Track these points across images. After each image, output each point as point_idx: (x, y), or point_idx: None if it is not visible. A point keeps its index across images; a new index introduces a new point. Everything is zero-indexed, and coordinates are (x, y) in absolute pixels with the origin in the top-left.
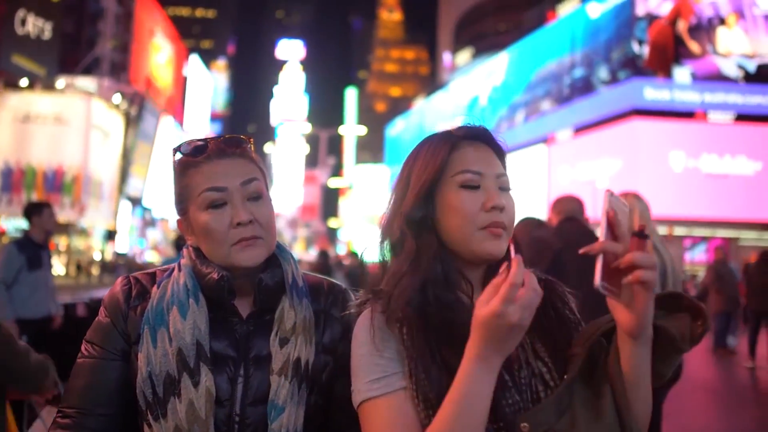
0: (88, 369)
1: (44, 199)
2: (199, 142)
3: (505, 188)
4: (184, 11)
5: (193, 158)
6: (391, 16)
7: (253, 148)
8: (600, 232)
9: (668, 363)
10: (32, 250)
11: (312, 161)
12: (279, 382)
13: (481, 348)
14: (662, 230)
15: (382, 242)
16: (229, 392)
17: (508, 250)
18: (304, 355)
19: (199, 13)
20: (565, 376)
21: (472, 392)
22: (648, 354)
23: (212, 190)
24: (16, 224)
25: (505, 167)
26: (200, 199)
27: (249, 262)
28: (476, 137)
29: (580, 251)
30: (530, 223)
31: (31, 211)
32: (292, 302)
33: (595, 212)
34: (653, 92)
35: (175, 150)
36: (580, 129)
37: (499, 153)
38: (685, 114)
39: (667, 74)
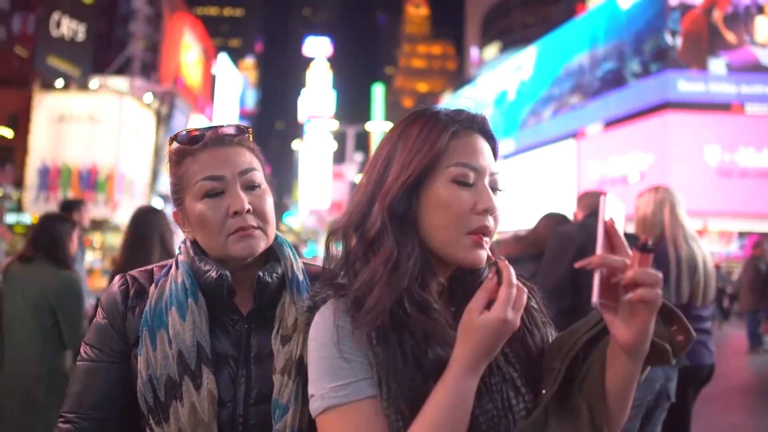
0: (86, 372)
1: (79, 196)
2: (197, 131)
3: (496, 188)
4: (212, 10)
5: (189, 147)
6: (417, 11)
7: (251, 138)
8: (597, 243)
9: (644, 372)
10: None
11: (339, 158)
12: (282, 381)
13: (473, 354)
14: (697, 225)
15: (353, 229)
16: (231, 393)
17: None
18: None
19: (227, 12)
20: (543, 392)
21: (459, 399)
22: (639, 368)
23: (208, 179)
24: None
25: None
26: (196, 188)
27: (246, 252)
28: (477, 126)
29: (576, 265)
30: (555, 218)
31: (65, 208)
32: (293, 298)
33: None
34: (687, 85)
35: (172, 139)
36: (611, 123)
37: (494, 148)
38: (721, 106)
39: (702, 66)
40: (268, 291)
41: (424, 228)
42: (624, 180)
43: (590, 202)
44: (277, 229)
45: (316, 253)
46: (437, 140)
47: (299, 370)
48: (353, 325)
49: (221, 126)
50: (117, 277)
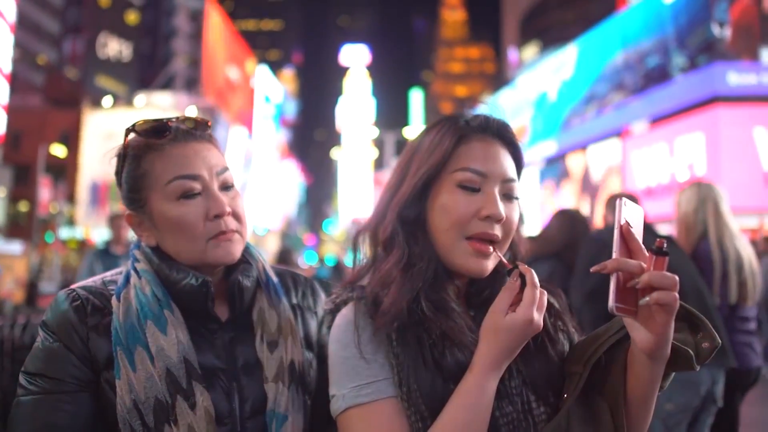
0: (39, 408)
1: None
2: (159, 122)
3: (510, 196)
4: (250, 24)
5: (154, 140)
6: (453, 15)
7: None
8: (613, 247)
9: (668, 378)
10: (111, 260)
11: (378, 165)
12: (277, 389)
13: (498, 354)
14: (752, 223)
15: (371, 234)
16: (228, 409)
17: (508, 252)
18: (297, 357)
19: (265, 25)
20: (565, 396)
21: (482, 399)
22: (661, 372)
23: (185, 178)
24: (103, 236)
25: (518, 173)
26: (169, 188)
27: (226, 258)
28: (491, 131)
29: (592, 270)
30: (567, 215)
31: (111, 222)
32: (271, 302)
33: (671, 208)
34: (737, 77)
35: (129, 130)
36: (657, 120)
37: (516, 156)
38: None
39: (754, 56)
40: (247, 296)
41: (432, 231)
42: (672, 179)
43: None
44: (318, 237)
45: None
46: (443, 144)
47: (292, 375)
48: (373, 326)
49: (182, 117)
50: (62, 293)
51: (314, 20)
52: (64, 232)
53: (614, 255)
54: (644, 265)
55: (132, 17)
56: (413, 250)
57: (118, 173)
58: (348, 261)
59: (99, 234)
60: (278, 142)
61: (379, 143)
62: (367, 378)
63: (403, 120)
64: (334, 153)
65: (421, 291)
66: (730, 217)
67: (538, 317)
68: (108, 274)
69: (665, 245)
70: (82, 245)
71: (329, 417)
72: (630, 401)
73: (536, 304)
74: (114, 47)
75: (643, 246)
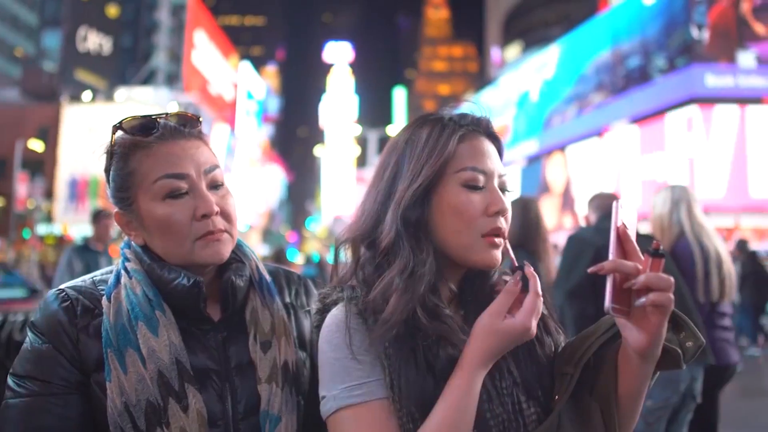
0: (28, 411)
1: (107, 207)
2: (147, 119)
3: (504, 189)
4: (233, 20)
5: (142, 138)
6: (437, 13)
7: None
8: (610, 248)
9: (654, 376)
10: (91, 256)
11: (361, 162)
12: (270, 390)
13: (488, 355)
14: (729, 222)
15: (364, 238)
16: (221, 411)
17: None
18: (290, 357)
19: (248, 21)
20: (556, 397)
21: (470, 398)
22: (651, 371)
23: (171, 177)
24: (82, 232)
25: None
26: (156, 187)
27: (214, 258)
28: (481, 129)
29: (589, 270)
30: (518, 203)
31: (95, 219)
32: (264, 301)
33: (648, 206)
34: (715, 79)
35: (116, 128)
36: (637, 120)
37: (499, 149)
38: (752, 100)
39: (731, 59)
40: (240, 295)
41: (439, 233)
42: (650, 176)
43: (601, 203)
44: (300, 235)
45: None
46: (446, 145)
47: (286, 376)
48: (367, 329)
49: (172, 113)
50: (51, 293)
51: (298, 17)
52: (42, 229)
53: (610, 256)
54: (640, 267)
55: (113, 11)
56: (417, 256)
57: (107, 171)
58: (331, 259)
59: (78, 230)
60: (260, 139)
61: (362, 141)
62: (358, 379)
63: (386, 118)
64: (317, 150)
65: (420, 299)
66: (703, 218)
67: (534, 325)
68: (98, 274)
69: (661, 248)
70: (60, 241)
71: (321, 418)
72: (620, 401)
73: (536, 313)
74: (94, 41)
75: (638, 248)
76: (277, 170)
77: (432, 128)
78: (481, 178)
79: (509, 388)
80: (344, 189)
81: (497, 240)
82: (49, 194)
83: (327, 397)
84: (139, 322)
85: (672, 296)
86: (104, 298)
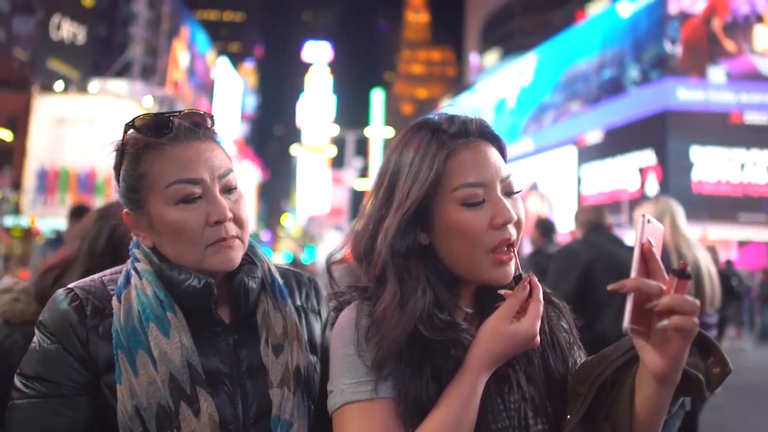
0: (35, 412)
1: (77, 199)
2: (160, 118)
3: (510, 192)
4: (212, 15)
5: (155, 138)
6: (417, 17)
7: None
8: (633, 265)
9: (676, 402)
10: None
11: (338, 163)
12: (282, 394)
13: (493, 358)
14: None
15: (361, 259)
16: (232, 414)
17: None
18: (302, 362)
19: (227, 16)
20: (568, 417)
21: (472, 399)
22: (670, 397)
23: (185, 182)
24: (51, 225)
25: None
26: (169, 192)
27: (225, 266)
28: (473, 133)
29: (609, 288)
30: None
31: (72, 214)
32: (276, 304)
33: (617, 219)
34: (686, 93)
35: (128, 126)
36: (611, 130)
37: (500, 147)
38: (720, 115)
39: (701, 74)
40: (252, 297)
41: (446, 255)
42: (623, 185)
43: (587, 218)
44: (276, 233)
45: (315, 258)
46: (431, 167)
47: (298, 380)
48: (378, 361)
49: (185, 112)
50: (61, 292)
51: (277, 14)
52: (9, 220)
53: (633, 274)
54: (664, 287)
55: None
56: (406, 285)
57: (116, 168)
58: (304, 259)
59: (46, 224)
60: (235, 135)
61: (339, 141)
62: (367, 375)
63: (363, 119)
64: (293, 149)
65: (419, 320)
66: (686, 229)
67: (537, 332)
68: (107, 273)
69: (688, 268)
70: (28, 234)
71: (329, 424)
72: (635, 426)
73: (540, 320)
74: (68, 29)
75: (663, 267)
76: (252, 167)
77: (419, 145)
78: (480, 191)
79: (517, 403)
80: (320, 189)
81: (506, 256)
82: (17, 185)
83: (335, 391)
84: (150, 324)
85: (697, 321)
86: (114, 298)
